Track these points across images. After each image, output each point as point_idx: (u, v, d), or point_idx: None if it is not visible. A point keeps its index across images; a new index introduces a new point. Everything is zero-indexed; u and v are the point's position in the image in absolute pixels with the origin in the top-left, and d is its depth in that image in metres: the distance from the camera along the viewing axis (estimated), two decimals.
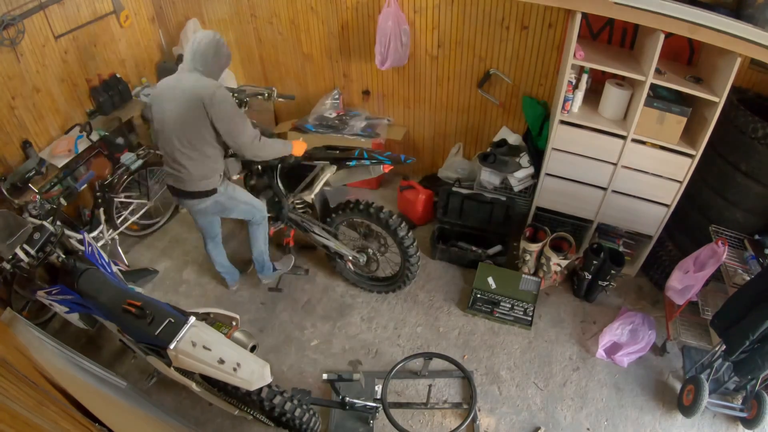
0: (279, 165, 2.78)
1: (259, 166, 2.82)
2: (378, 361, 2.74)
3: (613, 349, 2.75)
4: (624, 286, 3.14)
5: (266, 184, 2.87)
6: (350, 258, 2.91)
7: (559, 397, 2.58)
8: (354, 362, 2.68)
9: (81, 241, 2.40)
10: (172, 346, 1.80)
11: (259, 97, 2.81)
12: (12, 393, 1.16)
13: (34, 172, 2.84)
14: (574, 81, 2.64)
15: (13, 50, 2.86)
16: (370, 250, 2.88)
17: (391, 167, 2.53)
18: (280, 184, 2.83)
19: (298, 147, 2.56)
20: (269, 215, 2.96)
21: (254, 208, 2.71)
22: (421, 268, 3.14)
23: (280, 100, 2.85)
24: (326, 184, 2.68)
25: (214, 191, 2.43)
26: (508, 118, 3.43)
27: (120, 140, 3.50)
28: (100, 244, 3.00)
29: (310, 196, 2.70)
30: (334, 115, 3.62)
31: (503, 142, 3.29)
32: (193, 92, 2.16)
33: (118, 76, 3.49)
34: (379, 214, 2.66)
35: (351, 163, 2.54)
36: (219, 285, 3.16)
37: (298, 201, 2.88)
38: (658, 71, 2.42)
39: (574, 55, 2.48)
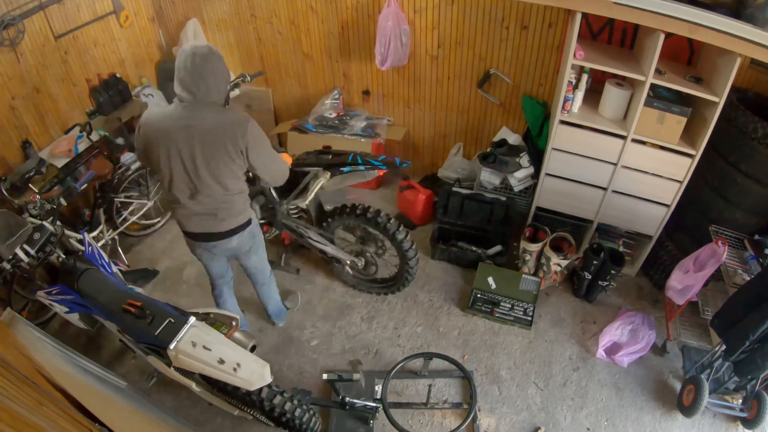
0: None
1: (250, 173, 2.79)
2: (378, 361, 2.74)
3: (613, 349, 2.75)
4: (624, 286, 3.14)
5: (259, 190, 2.85)
6: (348, 262, 2.91)
7: (559, 397, 2.58)
8: (354, 362, 2.69)
9: (81, 241, 2.40)
10: (172, 346, 1.80)
11: (237, 89, 2.79)
12: (12, 393, 1.16)
13: (34, 172, 2.84)
14: (574, 81, 2.64)
15: (13, 50, 2.86)
16: (367, 254, 2.86)
17: (386, 170, 2.53)
18: (272, 191, 2.81)
19: (289, 159, 2.43)
20: (263, 221, 2.94)
21: (266, 258, 2.53)
22: (421, 268, 3.14)
23: (251, 79, 2.79)
24: (320, 188, 2.67)
25: (249, 222, 2.22)
26: (508, 118, 3.43)
27: (120, 140, 3.49)
28: (100, 244, 3.00)
29: (304, 203, 2.68)
30: (334, 115, 3.62)
31: (503, 142, 3.29)
32: (222, 132, 1.86)
33: (118, 76, 3.49)
34: (377, 219, 2.64)
35: (345, 169, 2.53)
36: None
37: (292, 207, 2.85)
38: (658, 71, 2.42)
39: (574, 55, 2.48)
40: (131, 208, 3.31)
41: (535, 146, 3.18)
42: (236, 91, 2.76)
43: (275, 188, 2.82)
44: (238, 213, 2.13)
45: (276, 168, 2.14)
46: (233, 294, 2.64)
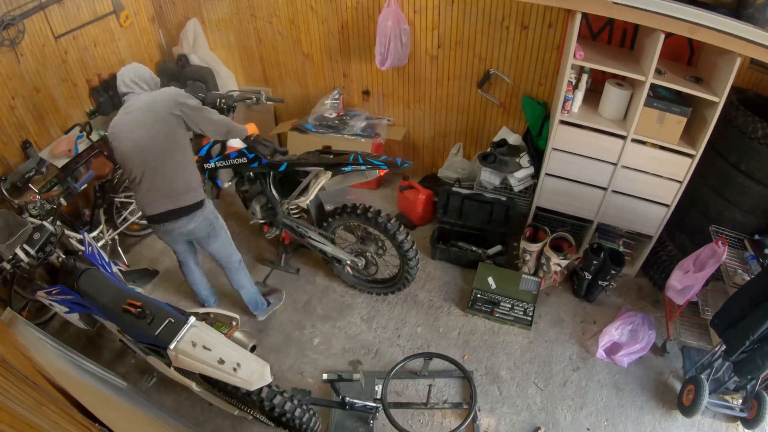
0: (271, 171, 2.75)
1: (251, 173, 2.80)
2: (378, 361, 2.74)
3: (613, 349, 2.75)
4: (624, 286, 3.14)
5: (259, 190, 2.84)
6: (348, 262, 2.90)
7: (559, 397, 2.58)
8: (354, 362, 2.69)
9: (81, 241, 2.40)
10: (172, 346, 1.80)
11: (247, 101, 2.77)
12: (12, 393, 1.16)
13: (34, 172, 2.84)
14: (574, 81, 2.64)
15: (13, 50, 2.86)
16: (368, 254, 2.86)
17: (387, 170, 2.53)
18: (273, 191, 2.80)
19: (252, 128, 2.61)
20: (263, 222, 2.94)
21: (231, 245, 2.62)
22: (421, 268, 3.13)
23: (269, 103, 2.82)
24: (321, 188, 2.67)
25: (202, 203, 2.35)
26: (508, 118, 3.43)
27: None
28: (100, 244, 3.00)
29: (305, 203, 2.68)
30: (334, 115, 3.62)
31: (503, 142, 3.29)
32: (155, 103, 2.16)
33: None
34: (377, 219, 2.64)
35: (346, 169, 2.53)
36: (219, 285, 3.15)
37: (292, 207, 2.85)
38: (658, 71, 2.42)
39: (574, 55, 2.48)
40: (131, 208, 3.31)
41: (535, 146, 3.18)
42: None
43: (275, 188, 2.82)
44: (188, 190, 2.29)
45: (215, 117, 2.30)
46: (201, 270, 2.84)
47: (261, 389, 1.93)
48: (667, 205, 2.77)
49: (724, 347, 2.27)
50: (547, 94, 3.20)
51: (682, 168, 2.61)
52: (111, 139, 2.19)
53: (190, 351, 1.80)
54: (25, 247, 2.09)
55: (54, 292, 2.16)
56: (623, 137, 2.63)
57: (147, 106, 2.15)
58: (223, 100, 2.68)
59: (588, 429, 2.45)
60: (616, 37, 2.80)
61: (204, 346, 1.80)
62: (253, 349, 1.99)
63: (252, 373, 1.79)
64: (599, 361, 2.74)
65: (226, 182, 2.87)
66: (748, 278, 2.39)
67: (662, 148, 2.61)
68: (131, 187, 2.32)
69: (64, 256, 2.20)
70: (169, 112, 2.15)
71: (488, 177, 3.26)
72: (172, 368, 1.93)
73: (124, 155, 2.18)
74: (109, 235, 3.12)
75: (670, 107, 2.49)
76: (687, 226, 2.86)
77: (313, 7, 3.38)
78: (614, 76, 2.63)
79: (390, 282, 3.01)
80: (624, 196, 2.84)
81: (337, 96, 3.70)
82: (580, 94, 2.69)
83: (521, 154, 3.17)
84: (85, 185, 2.98)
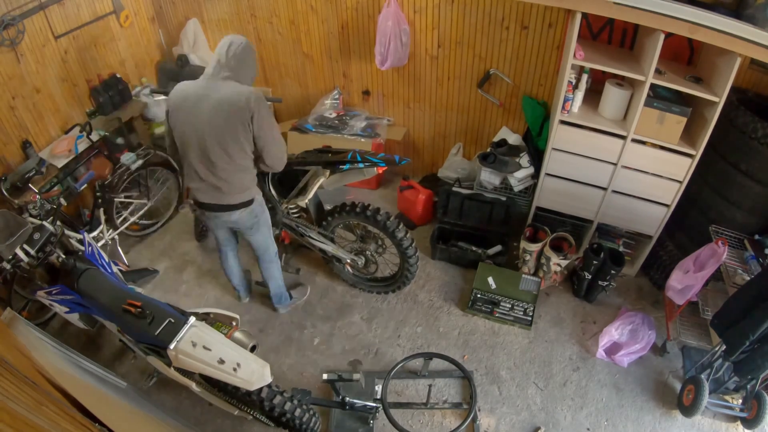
0: (270, 172, 2.75)
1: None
2: (378, 361, 2.74)
3: (613, 349, 2.75)
4: (624, 286, 3.14)
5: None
6: (348, 261, 2.90)
7: (559, 397, 2.58)
8: (354, 362, 2.69)
9: (81, 241, 2.40)
10: (172, 346, 1.80)
11: None
12: (12, 393, 1.16)
13: (34, 172, 2.84)
14: (574, 81, 2.64)
15: (13, 50, 2.86)
16: (367, 252, 2.87)
17: (386, 168, 2.53)
18: (272, 190, 2.80)
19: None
20: None
21: (271, 238, 2.63)
22: (421, 268, 3.14)
23: (267, 103, 2.81)
24: (320, 187, 2.67)
25: (251, 201, 2.33)
26: (508, 118, 3.43)
27: (120, 140, 3.50)
28: (100, 244, 3.00)
29: (304, 201, 2.68)
30: (334, 115, 3.62)
31: (503, 142, 3.29)
32: (234, 100, 2.03)
33: (118, 76, 3.49)
34: (377, 216, 2.65)
35: (344, 167, 2.53)
36: (219, 285, 3.15)
37: (291, 206, 2.85)
38: (658, 71, 2.42)
39: (574, 55, 2.48)
40: (131, 208, 3.31)
41: (535, 146, 3.18)
42: None
43: (274, 187, 2.82)
44: (242, 190, 2.27)
45: (277, 148, 2.22)
46: (237, 261, 2.82)
47: (261, 389, 1.93)
48: (667, 205, 2.77)
49: (724, 347, 2.27)
50: (547, 94, 3.20)
51: (682, 168, 2.61)
52: (172, 108, 2.11)
53: (190, 351, 1.80)
54: (25, 247, 2.09)
55: (54, 292, 2.15)
56: (623, 137, 2.63)
57: (227, 99, 2.03)
58: None
59: (588, 429, 2.45)
60: (616, 37, 2.80)
61: (204, 346, 1.80)
62: (253, 349, 1.99)
63: (252, 373, 1.79)
64: (599, 361, 2.74)
65: None
66: (748, 278, 2.39)
67: (662, 148, 2.61)
68: (181, 162, 2.26)
69: (64, 256, 2.20)
70: (240, 113, 2.04)
71: (488, 177, 3.26)
72: (172, 368, 1.93)
73: (183, 135, 2.12)
74: (109, 235, 3.12)
75: (670, 107, 2.49)
76: (687, 226, 2.86)
77: (313, 7, 3.38)
78: (614, 76, 2.63)
79: (390, 280, 3.01)
80: (624, 196, 2.84)
81: (337, 96, 3.70)
82: (580, 94, 2.69)
83: (521, 154, 3.17)
84: (85, 185, 2.99)
